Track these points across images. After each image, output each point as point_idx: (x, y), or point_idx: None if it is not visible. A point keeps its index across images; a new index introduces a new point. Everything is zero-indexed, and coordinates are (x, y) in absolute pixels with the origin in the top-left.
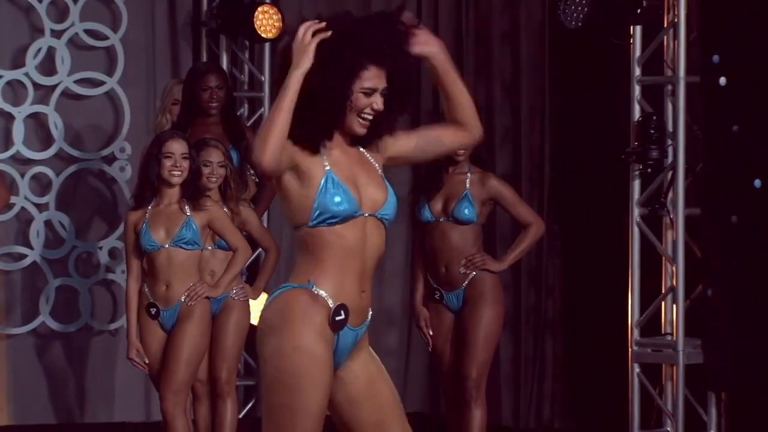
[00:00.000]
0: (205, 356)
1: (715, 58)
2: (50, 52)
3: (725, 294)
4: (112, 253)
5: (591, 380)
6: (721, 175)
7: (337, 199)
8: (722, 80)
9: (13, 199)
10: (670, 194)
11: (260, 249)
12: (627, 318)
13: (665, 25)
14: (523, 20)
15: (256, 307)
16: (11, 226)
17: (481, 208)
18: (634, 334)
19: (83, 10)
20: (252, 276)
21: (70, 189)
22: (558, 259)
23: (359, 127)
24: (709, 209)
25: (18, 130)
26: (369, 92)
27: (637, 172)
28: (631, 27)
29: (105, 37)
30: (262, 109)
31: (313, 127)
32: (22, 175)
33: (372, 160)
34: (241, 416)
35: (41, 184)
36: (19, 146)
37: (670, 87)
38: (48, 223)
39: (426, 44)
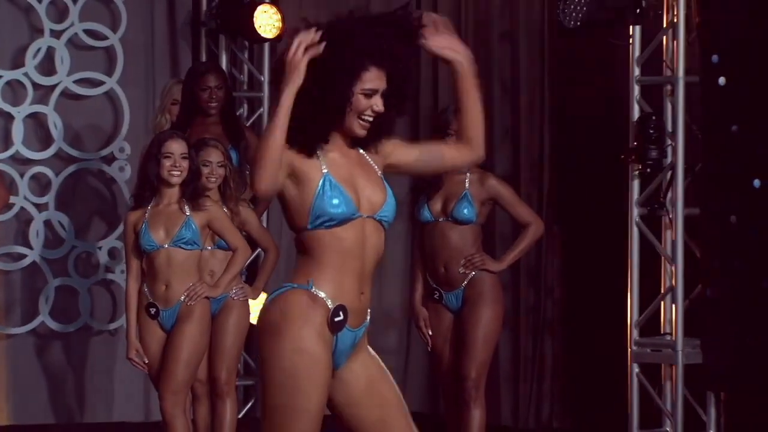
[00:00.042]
0: (204, 356)
1: (715, 58)
2: (50, 52)
3: (724, 294)
4: (112, 253)
5: (590, 380)
6: (720, 175)
7: (335, 201)
8: (721, 80)
9: (12, 199)
10: (670, 194)
11: (259, 249)
12: (626, 318)
13: (664, 25)
14: (522, 20)
15: (256, 306)
16: (11, 226)
17: (481, 207)
18: (633, 333)
19: (83, 10)
20: (251, 276)
21: (70, 189)
22: (557, 259)
23: (359, 129)
24: (708, 209)
25: (17, 130)
26: (370, 93)
27: (636, 172)
28: (631, 27)
29: (104, 37)
30: (262, 109)
31: (312, 130)
32: (22, 175)
33: (371, 162)
34: (240, 416)
35: (41, 184)
36: (18, 146)
37: (669, 87)
38: (47, 223)
39: (452, 49)
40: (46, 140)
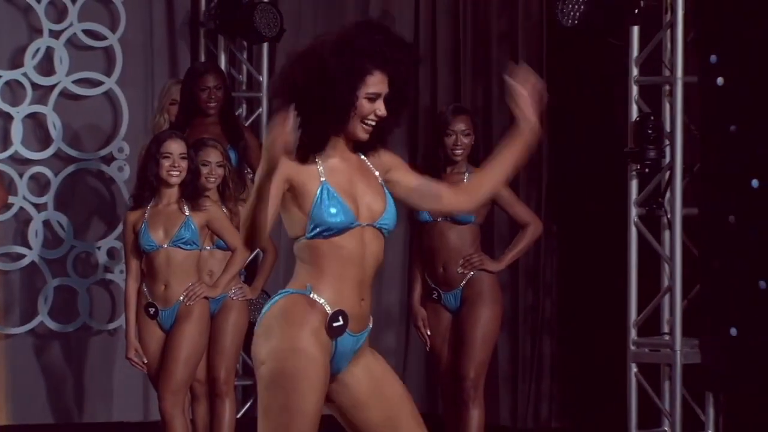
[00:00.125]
0: (203, 356)
1: (713, 58)
2: (49, 52)
3: (723, 294)
4: (111, 253)
5: (589, 380)
6: (718, 175)
7: (333, 210)
8: (720, 80)
9: (11, 199)
10: (668, 194)
11: (258, 249)
12: (625, 318)
13: (663, 25)
14: (521, 20)
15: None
16: (10, 226)
17: (479, 207)
18: (631, 333)
19: (81, 11)
20: (250, 276)
21: (69, 189)
22: (556, 258)
23: (363, 133)
24: (706, 209)
25: (16, 130)
26: (373, 97)
27: (634, 172)
28: (629, 27)
29: (103, 38)
30: (261, 109)
31: (315, 135)
32: (21, 175)
33: (372, 169)
34: (239, 416)
35: (40, 184)
36: (17, 146)
37: (667, 87)
38: (46, 223)
39: (526, 112)
40: (45, 140)
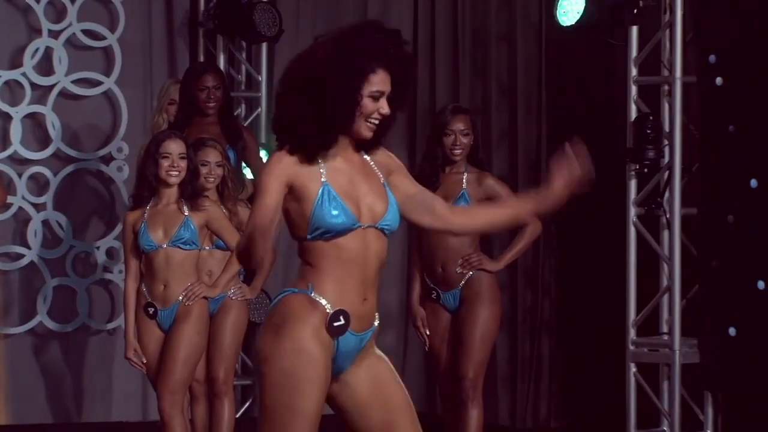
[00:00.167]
0: (202, 356)
1: (712, 58)
2: (48, 52)
3: (722, 294)
4: (110, 252)
5: (587, 380)
6: (717, 174)
7: (334, 212)
8: (719, 80)
9: (10, 199)
10: (667, 194)
11: None
12: (624, 318)
13: (662, 25)
14: (519, 20)
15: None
16: (9, 225)
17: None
18: (630, 333)
19: (81, 11)
20: (249, 276)
21: (68, 189)
22: (554, 258)
23: (368, 132)
24: (705, 209)
25: (15, 130)
26: (377, 96)
27: (633, 172)
28: (628, 27)
29: (102, 38)
30: (259, 109)
31: (319, 135)
32: (20, 175)
33: (375, 169)
34: (238, 416)
35: (39, 184)
36: (16, 146)
37: (666, 87)
38: (45, 223)
39: (562, 184)
40: (44, 140)
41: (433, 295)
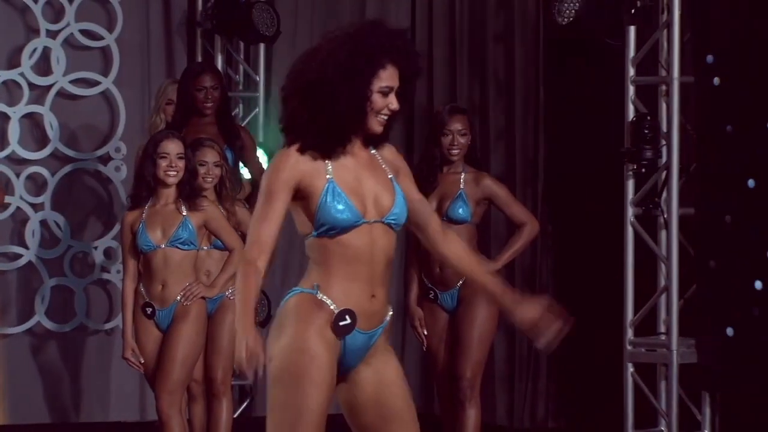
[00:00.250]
0: (200, 356)
1: (709, 58)
2: (46, 52)
3: (719, 294)
4: (108, 252)
5: (585, 380)
6: (715, 175)
7: (339, 208)
8: (716, 80)
9: (8, 199)
10: (664, 194)
11: None
12: (621, 317)
13: (659, 26)
14: (517, 21)
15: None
16: (6, 225)
17: (476, 207)
18: (628, 333)
19: (78, 11)
20: None
21: (66, 189)
22: (552, 258)
23: (378, 126)
24: (703, 209)
25: (13, 130)
26: (387, 91)
27: (631, 172)
28: (626, 27)
29: (100, 37)
30: (257, 109)
31: (331, 133)
32: (18, 175)
33: (382, 164)
34: (236, 416)
35: (37, 184)
36: (14, 146)
37: (664, 87)
38: (43, 223)
39: (527, 312)
40: (42, 140)
41: (430, 295)
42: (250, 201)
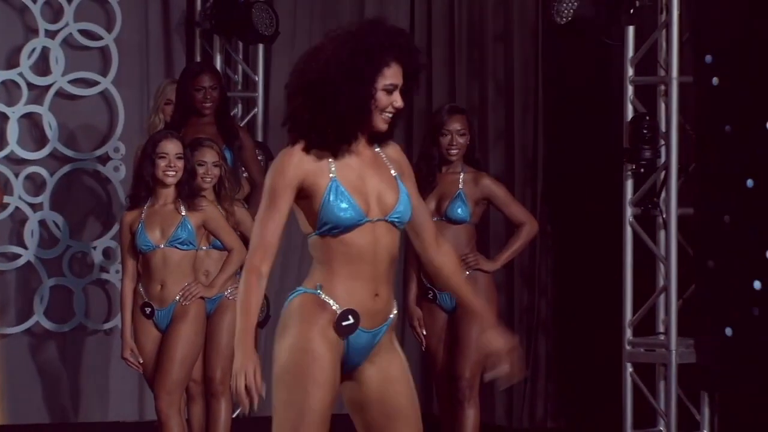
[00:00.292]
0: (199, 356)
1: (708, 58)
2: (44, 52)
3: (718, 294)
4: (107, 252)
5: (584, 380)
6: (713, 174)
7: (342, 206)
8: (715, 80)
9: (7, 199)
10: (663, 194)
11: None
12: (620, 317)
13: (658, 25)
14: (516, 20)
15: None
16: (5, 225)
17: (475, 207)
18: (627, 333)
19: (77, 11)
20: None
21: (65, 189)
22: (551, 258)
23: (383, 124)
24: (702, 209)
25: (12, 130)
26: (391, 89)
27: (630, 172)
28: (625, 27)
29: (99, 38)
30: (256, 109)
31: (340, 131)
32: (17, 175)
33: (387, 162)
34: (234, 416)
35: (35, 184)
36: (13, 146)
37: (663, 87)
38: (42, 223)
39: (496, 339)
40: (40, 140)
41: (429, 295)
42: (249, 201)
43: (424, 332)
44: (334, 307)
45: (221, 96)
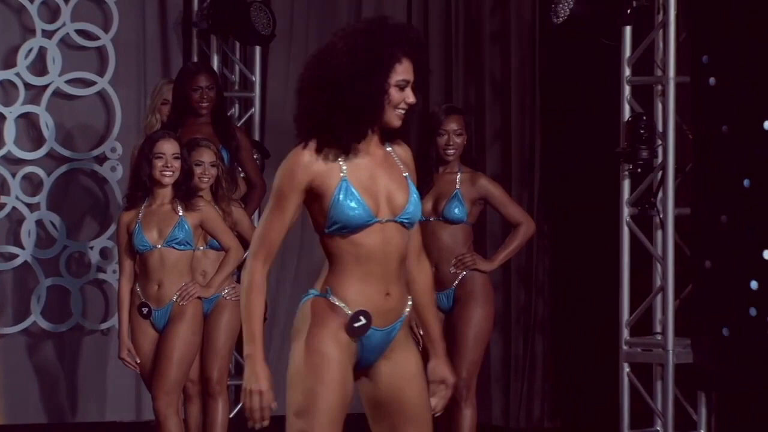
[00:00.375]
0: (196, 356)
1: (705, 58)
2: (41, 52)
3: (715, 293)
4: (104, 252)
5: (581, 380)
6: (710, 174)
7: (352, 206)
8: (712, 80)
9: (4, 199)
10: (660, 194)
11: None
12: (617, 318)
13: (655, 26)
14: (513, 20)
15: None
16: (2, 226)
17: (471, 207)
18: (623, 333)
19: (74, 11)
20: None
21: (62, 189)
22: (548, 258)
23: (397, 120)
24: (699, 209)
25: (9, 130)
26: (403, 85)
27: (626, 172)
28: (622, 27)
29: (96, 37)
30: (253, 109)
31: (352, 129)
32: (14, 175)
33: (398, 161)
34: (231, 416)
35: (32, 184)
36: (10, 146)
37: (660, 87)
38: (39, 223)
39: (444, 369)
40: (37, 140)
41: None
42: (246, 201)
43: (421, 332)
44: (345, 310)
45: (218, 96)
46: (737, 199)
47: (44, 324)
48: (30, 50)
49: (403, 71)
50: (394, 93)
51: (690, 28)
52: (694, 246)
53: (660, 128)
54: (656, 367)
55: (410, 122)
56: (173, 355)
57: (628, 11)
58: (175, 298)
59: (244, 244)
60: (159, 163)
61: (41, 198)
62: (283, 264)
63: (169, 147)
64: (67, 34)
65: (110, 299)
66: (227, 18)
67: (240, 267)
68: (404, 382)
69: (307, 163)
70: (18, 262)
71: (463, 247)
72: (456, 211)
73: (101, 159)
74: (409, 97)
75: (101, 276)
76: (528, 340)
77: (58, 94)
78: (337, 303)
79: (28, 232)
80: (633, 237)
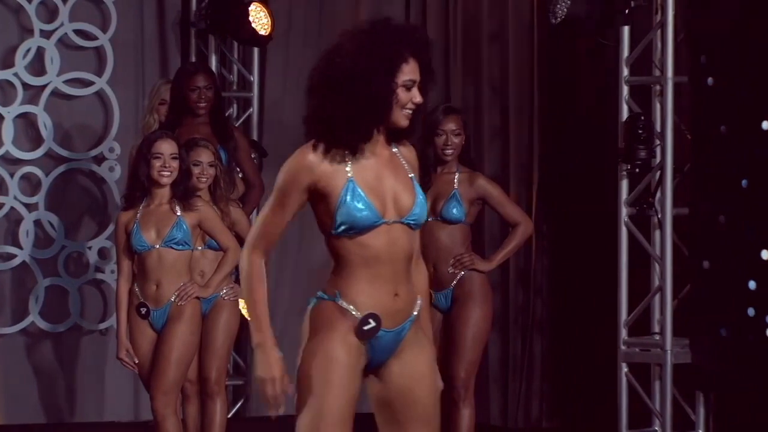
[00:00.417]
0: (195, 356)
1: (703, 58)
2: (40, 52)
3: (713, 294)
4: (102, 252)
5: (579, 380)
6: (709, 174)
7: (359, 207)
8: (710, 80)
9: (2, 199)
10: (658, 194)
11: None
12: (615, 318)
13: (653, 26)
14: (511, 20)
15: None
16: (0, 226)
17: (470, 207)
18: (622, 333)
19: (72, 11)
20: None
21: (60, 189)
22: (546, 258)
23: (405, 120)
24: (697, 209)
25: (7, 130)
26: (410, 85)
27: (625, 172)
28: (620, 27)
29: (94, 38)
30: (251, 109)
31: (360, 129)
32: (12, 175)
33: (404, 163)
34: (230, 416)
35: (31, 184)
36: (8, 146)
37: (658, 87)
38: (37, 223)
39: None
40: (36, 140)
41: None
42: (244, 201)
43: None
44: (354, 314)
45: (216, 96)
46: (736, 199)
47: (42, 324)
48: (28, 50)
49: (410, 71)
50: (401, 93)
51: (687, 28)
52: (693, 246)
53: (658, 128)
54: (654, 367)
55: (418, 122)
56: (171, 355)
57: (626, 11)
58: (173, 298)
59: (243, 244)
60: (157, 163)
61: (39, 198)
62: (282, 266)
63: (167, 147)
64: (66, 34)
65: (108, 299)
66: (225, 18)
67: (238, 267)
68: (414, 382)
69: (311, 163)
70: (16, 262)
71: (462, 247)
72: (454, 211)
73: (99, 159)
74: (416, 96)
75: (99, 276)
76: (526, 340)
77: (56, 94)
78: (346, 306)
79: (26, 232)
80: (631, 237)
